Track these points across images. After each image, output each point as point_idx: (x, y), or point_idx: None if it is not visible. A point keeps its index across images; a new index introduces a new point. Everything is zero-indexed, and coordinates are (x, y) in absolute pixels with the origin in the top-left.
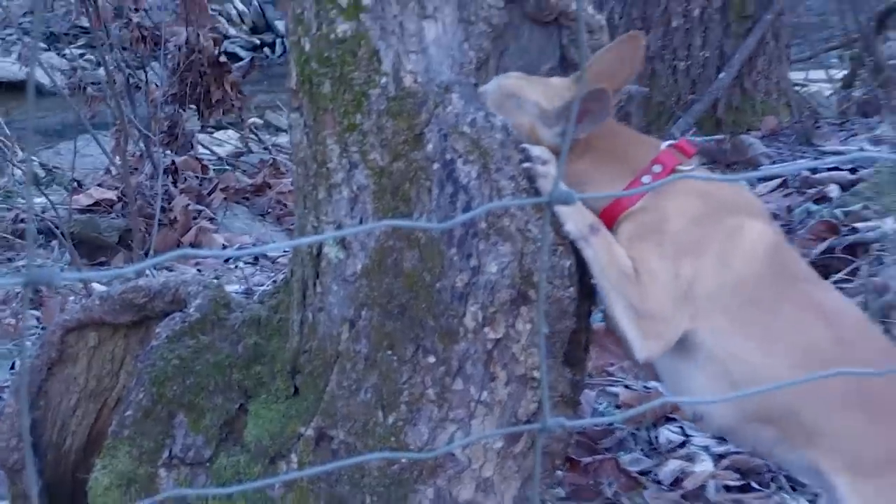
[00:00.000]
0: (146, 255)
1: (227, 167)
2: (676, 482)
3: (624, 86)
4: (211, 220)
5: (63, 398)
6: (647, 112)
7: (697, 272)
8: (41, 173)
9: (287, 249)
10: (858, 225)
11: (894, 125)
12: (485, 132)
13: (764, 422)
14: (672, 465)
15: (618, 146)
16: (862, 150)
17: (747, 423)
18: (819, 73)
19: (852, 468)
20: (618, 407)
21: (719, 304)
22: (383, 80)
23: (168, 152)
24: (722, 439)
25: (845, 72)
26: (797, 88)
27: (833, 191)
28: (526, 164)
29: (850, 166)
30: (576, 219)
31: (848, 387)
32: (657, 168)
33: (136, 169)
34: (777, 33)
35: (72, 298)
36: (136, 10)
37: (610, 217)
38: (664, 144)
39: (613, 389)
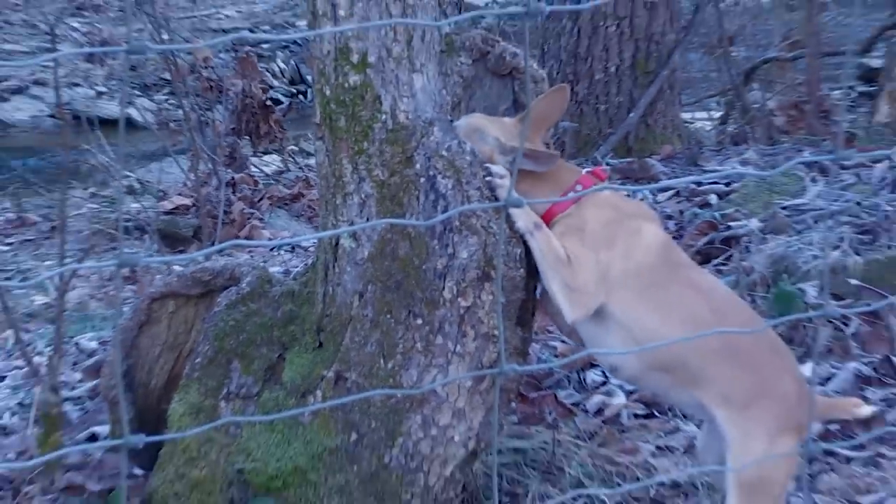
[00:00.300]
0: (212, 245)
1: (272, 181)
2: (599, 411)
3: (556, 122)
4: (260, 220)
5: (149, 350)
6: (577, 141)
7: (610, 261)
8: (137, 186)
9: (314, 240)
10: (732, 224)
11: (757, 151)
12: (458, 155)
13: (662, 371)
14: (596, 399)
15: (551, 172)
16: (734, 169)
17: (649, 373)
18: (702, 114)
19: (727, 403)
20: (556, 356)
21: (625, 285)
22: (383, 117)
23: (229, 170)
24: None
25: (721, 112)
26: (686, 124)
27: (713, 199)
28: (488, 178)
29: (725, 181)
30: (524, 218)
31: (722, 344)
32: (579, 188)
33: (205, 182)
34: (671, 84)
35: (158, 276)
36: (206, 67)
37: (545, 220)
38: (584, 171)
39: (553, 343)
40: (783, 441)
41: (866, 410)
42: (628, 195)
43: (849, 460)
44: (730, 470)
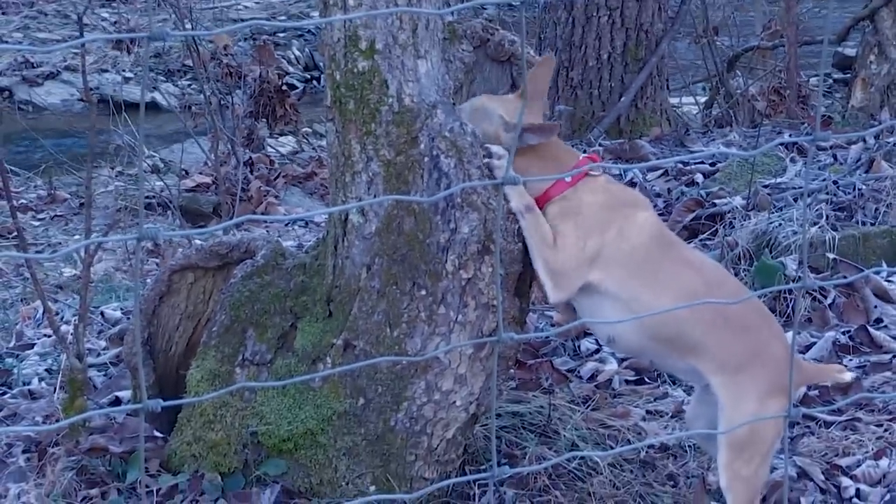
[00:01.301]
0: (230, 220)
1: (287, 161)
2: (592, 377)
3: (547, 91)
4: (276, 197)
5: (170, 319)
6: (572, 123)
7: (602, 244)
8: (161, 165)
9: (325, 216)
10: (716, 201)
11: (740, 133)
12: (460, 136)
13: (660, 342)
14: (589, 365)
15: (551, 152)
16: (718, 149)
17: (647, 344)
18: (689, 99)
19: (721, 369)
20: (552, 325)
21: (621, 265)
22: (390, 100)
23: (247, 151)
24: None
25: (706, 97)
26: (674, 108)
27: (699, 177)
28: (487, 160)
29: (710, 161)
30: (517, 199)
31: (716, 315)
32: (576, 170)
33: (225, 162)
34: (660, 70)
35: (179, 250)
36: (226, 54)
37: (543, 199)
38: (582, 155)
39: (549, 313)
40: (773, 402)
41: (848, 377)
42: (619, 174)
43: (828, 424)
44: (720, 433)
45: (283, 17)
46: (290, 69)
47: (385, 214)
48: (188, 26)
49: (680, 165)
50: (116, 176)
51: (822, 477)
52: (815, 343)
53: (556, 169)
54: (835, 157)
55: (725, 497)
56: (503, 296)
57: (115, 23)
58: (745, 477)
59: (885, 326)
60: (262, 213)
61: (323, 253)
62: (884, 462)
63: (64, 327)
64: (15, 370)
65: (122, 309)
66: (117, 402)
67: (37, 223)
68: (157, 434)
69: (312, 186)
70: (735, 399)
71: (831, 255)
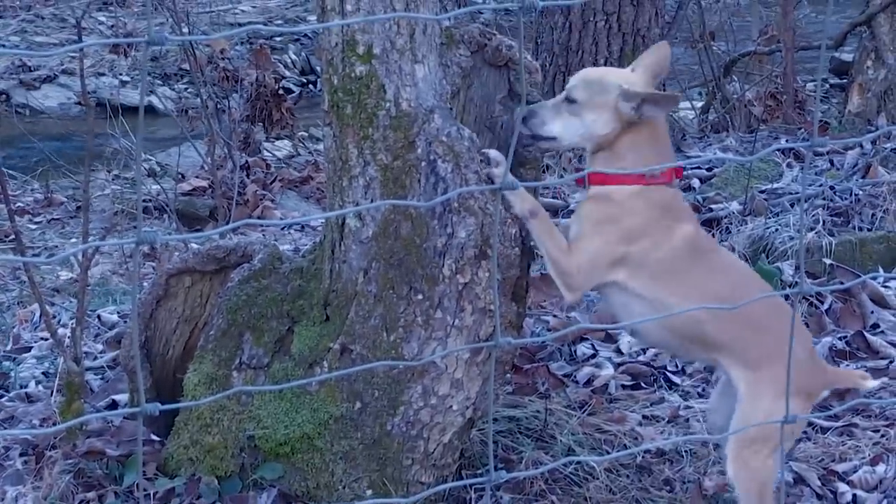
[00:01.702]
0: (227, 224)
1: (283, 165)
2: (588, 382)
3: (663, 68)
4: (272, 201)
5: (167, 322)
6: None
7: (632, 252)
8: (157, 169)
9: (322, 220)
10: (713, 206)
11: (736, 138)
12: (457, 141)
13: (682, 339)
14: (586, 370)
15: (650, 144)
16: (715, 154)
17: (670, 339)
18: (685, 104)
19: (742, 364)
20: (548, 330)
21: (647, 269)
22: (387, 105)
23: (243, 155)
24: (619, 352)
25: (703, 102)
26: (670, 113)
27: (695, 183)
28: (486, 170)
29: (707, 166)
30: (519, 204)
31: (737, 316)
32: (656, 173)
33: (221, 166)
34: None
35: (176, 254)
36: (222, 58)
37: (602, 182)
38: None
39: (545, 318)
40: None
41: (871, 383)
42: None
43: (825, 430)
44: (728, 435)
45: (279, 22)
46: (287, 73)
47: (382, 219)
48: (185, 30)
49: None
50: (113, 179)
51: (819, 482)
52: None
53: (662, 156)
54: (831, 162)
55: (733, 485)
56: (500, 300)
57: (113, 26)
58: (754, 468)
59: (882, 332)
60: (259, 217)
61: (320, 257)
62: (880, 468)
63: (61, 331)
64: (12, 373)
65: (118, 312)
66: (114, 405)
67: (34, 226)
68: (154, 437)
69: (309, 190)
70: (753, 394)
71: (828, 261)
